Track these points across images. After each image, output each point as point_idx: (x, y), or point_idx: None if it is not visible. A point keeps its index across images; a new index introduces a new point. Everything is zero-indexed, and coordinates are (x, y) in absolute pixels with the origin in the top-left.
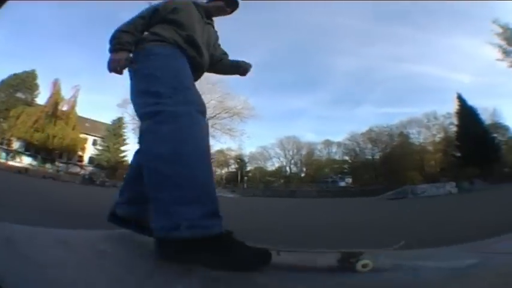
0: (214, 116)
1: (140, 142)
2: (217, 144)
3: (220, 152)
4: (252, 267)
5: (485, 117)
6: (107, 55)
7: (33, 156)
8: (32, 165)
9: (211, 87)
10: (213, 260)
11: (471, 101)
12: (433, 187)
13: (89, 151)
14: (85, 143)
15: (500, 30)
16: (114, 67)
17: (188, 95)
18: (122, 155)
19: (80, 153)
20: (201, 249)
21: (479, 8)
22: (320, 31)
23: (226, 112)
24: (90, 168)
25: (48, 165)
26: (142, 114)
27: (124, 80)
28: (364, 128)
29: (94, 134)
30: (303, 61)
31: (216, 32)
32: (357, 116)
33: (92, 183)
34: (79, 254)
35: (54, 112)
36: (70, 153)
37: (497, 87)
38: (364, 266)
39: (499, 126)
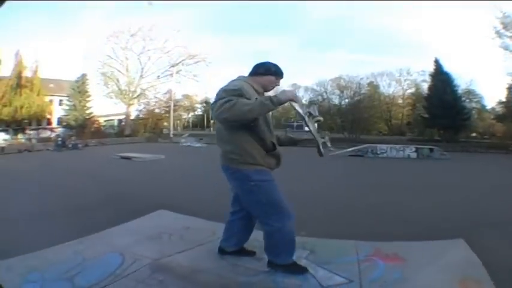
0: (180, 62)
1: None
2: (183, 89)
3: (187, 97)
4: None
5: (461, 85)
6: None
7: (5, 130)
8: (5, 140)
9: (176, 33)
10: None
11: (449, 66)
12: (393, 149)
13: (57, 112)
14: (51, 105)
15: (499, 15)
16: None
17: None
18: (89, 111)
19: (48, 116)
20: None
21: None
22: None
23: (191, 58)
24: (59, 130)
25: (20, 136)
26: None
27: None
28: (334, 75)
29: (60, 94)
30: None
31: None
32: (328, 62)
33: (65, 147)
34: None
35: (19, 83)
36: (39, 119)
37: (480, 60)
38: None
39: (473, 94)
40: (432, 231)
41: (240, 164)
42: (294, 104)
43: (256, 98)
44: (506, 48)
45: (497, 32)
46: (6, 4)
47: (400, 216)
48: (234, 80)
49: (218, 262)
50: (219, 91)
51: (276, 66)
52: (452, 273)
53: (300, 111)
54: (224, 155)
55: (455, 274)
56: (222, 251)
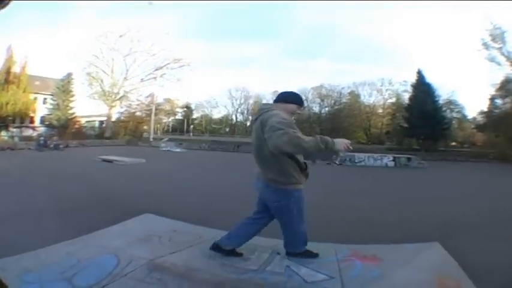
0: (165, 65)
1: None
2: (165, 93)
3: (168, 101)
4: None
5: (443, 95)
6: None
7: None
8: None
9: (163, 36)
10: None
11: (432, 77)
12: (371, 158)
13: (41, 111)
14: (35, 103)
15: (489, 27)
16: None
17: None
18: (71, 111)
19: (31, 114)
20: None
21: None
22: None
23: (176, 62)
24: (42, 129)
25: (3, 133)
26: None
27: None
28: (315, 83)
29: (44, 93)
30: (262, 10)
31: None
32: (310, 70)
33: (46, 147)
34: None
35: (7, 78)
36: (22, 117)
37: (462, 71)
38: None
39: (454, 104)
40: (409, 234)
41: (284, 185)
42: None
43: (314, 136)
44: (492, 60)
45: (485, 44)
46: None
47: (376, 221)
48: (272, 109)
49: (209, 262)
50: (271, 121)
51: (300, 96)
52: (430, 272)
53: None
54: (268, 176)
55: (432, 273)
56: (216, 248)
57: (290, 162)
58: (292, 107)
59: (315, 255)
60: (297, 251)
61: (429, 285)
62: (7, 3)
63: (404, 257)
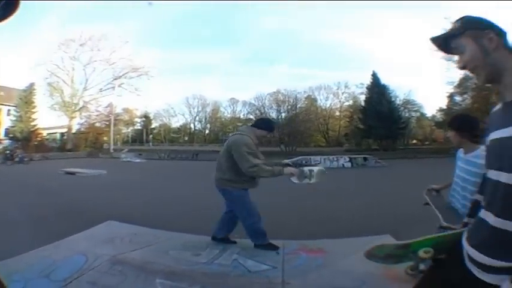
0: (123, 75)
1: None
2: (123, 103)
3: (127, 110)
4: None
5: (400, 95)
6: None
7: None
8: None
9: (123, 44)
10: None
11: (388, 79)
12: (327, 160)
13: (5, 122)
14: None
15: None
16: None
17: None
18: (34, 123)
19: None
20: None
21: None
22: None
23: (134, 71)
24: (6, 142)
25: None
26: None
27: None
28: (273, 89)
29: (8, 104)
30: (219, 17)
31: None
32: (269, 76)
33: (12, 160)
34: None
35: None
36: None
37: (419, 71)
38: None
39: (412, 104)
40: (362, 229)
41: (235, 186)
42: (292, 179)
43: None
44: (449, 59)
45: None
46: None
47: (328, 218)
48: (243, 132)
49: (164, 257)
50: (239, 142)
51: (272, 124)
52: (376, 263)
53: (297, 181)
54: (222, 181)
55: (378, 264)
56: (214, 238)
57: (237, 168)
58: (261, 132)
59: (275, 248)
60: (256, 242)
61: (373, 275)
62: None
63: (351, 249)
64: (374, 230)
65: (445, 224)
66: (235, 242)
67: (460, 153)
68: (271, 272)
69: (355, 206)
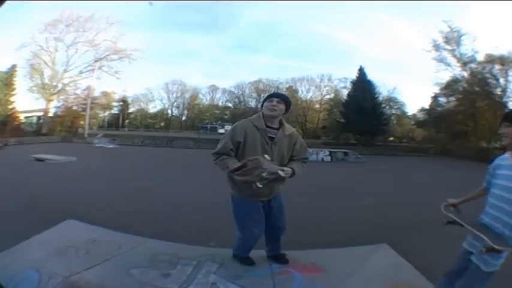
0: (104, 57)
1: None
2: (103, 86)
3: (105, 94)
4: None
5: (384, 92)
6: None
7: None
8: None
9: (108, 26)
10: None
11: (374, 75)
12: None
13: None
14: None
15: (446, 29)
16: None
17: None
18: (11, 106)
19: None
20: None
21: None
22: None
23: (116, 54)
24: None
25: None
26: None
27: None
28: (254, 78)
29: None
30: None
31: None
32: (253, 65)
33: None
34: None
35: None
36: None
37: (405, 69)
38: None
39: (394, 101)
40: (353, 235)
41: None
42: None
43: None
44: (441, 60)
45: (436, 45)
46: None
47: (313, 220)
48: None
49: (124, 280)
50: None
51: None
52: (382, 279)
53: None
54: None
55: (385, 281)
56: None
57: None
58: (264, 106)
59: (251, 263)
60: (234, 253)
61: None
62: None
63: (350, 264)
64: (367, 236)
65: (495, 246)
66: (287, 262)
67: (507, 160)
68: None
69: (344, 208)
